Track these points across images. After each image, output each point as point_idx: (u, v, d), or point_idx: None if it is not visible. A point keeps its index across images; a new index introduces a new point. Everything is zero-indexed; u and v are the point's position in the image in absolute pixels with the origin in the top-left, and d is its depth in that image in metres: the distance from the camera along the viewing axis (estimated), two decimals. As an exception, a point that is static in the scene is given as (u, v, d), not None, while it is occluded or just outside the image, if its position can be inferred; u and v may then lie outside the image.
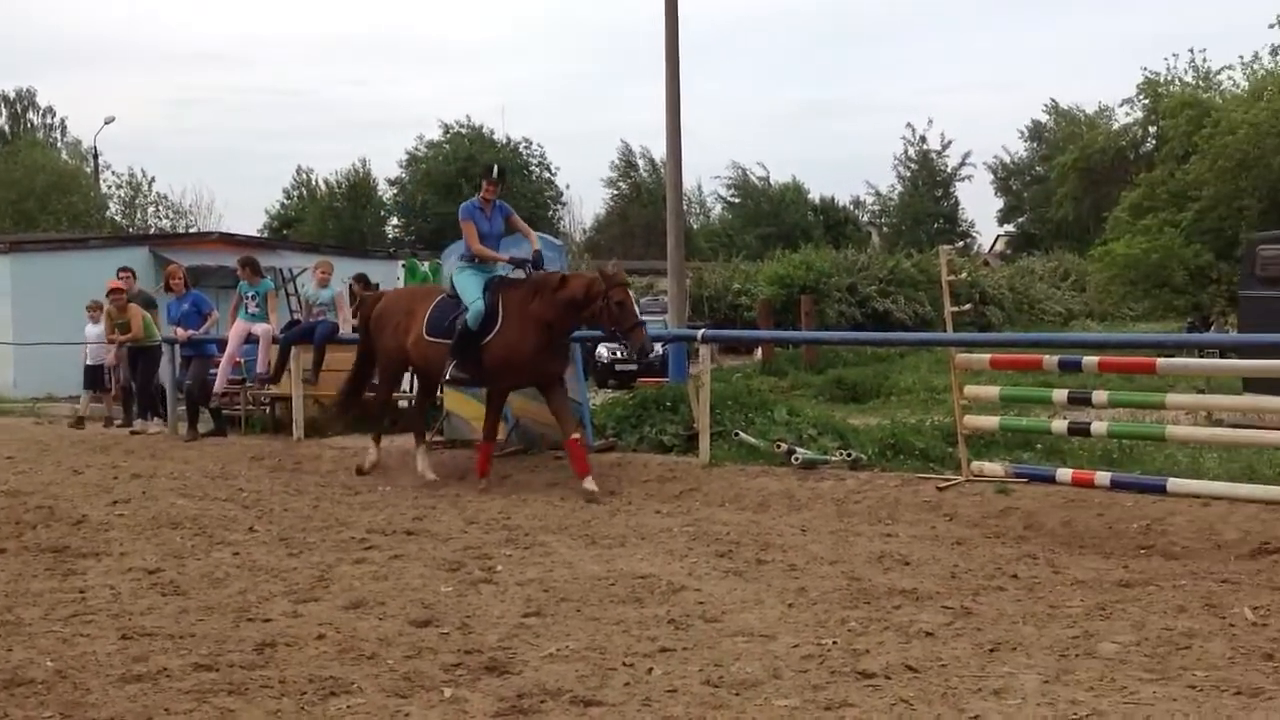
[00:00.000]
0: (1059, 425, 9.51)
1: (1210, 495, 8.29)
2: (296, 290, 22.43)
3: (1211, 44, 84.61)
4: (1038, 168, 60.32)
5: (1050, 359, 9.30)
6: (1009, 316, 37.83)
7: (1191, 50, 44.13)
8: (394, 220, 56.77)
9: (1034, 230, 60.81)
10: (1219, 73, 34.31)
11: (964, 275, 28.39)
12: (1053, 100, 62.09)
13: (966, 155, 62.25)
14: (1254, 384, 12.06)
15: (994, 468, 9.43)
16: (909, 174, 62.18)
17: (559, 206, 57.40)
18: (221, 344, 14.44)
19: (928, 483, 9.41)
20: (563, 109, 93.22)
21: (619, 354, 25.34)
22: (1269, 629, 5.51)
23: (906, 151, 62.24)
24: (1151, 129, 37.31)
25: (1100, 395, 9.10)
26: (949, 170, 61.95)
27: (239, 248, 24.50)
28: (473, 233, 10.52)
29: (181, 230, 46.78)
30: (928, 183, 61.27)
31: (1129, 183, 34.91)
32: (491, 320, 10.25)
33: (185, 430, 14.27)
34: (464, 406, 12.10)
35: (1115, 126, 45.86)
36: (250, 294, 14.11)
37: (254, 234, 42.75)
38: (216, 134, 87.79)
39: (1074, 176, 46.62)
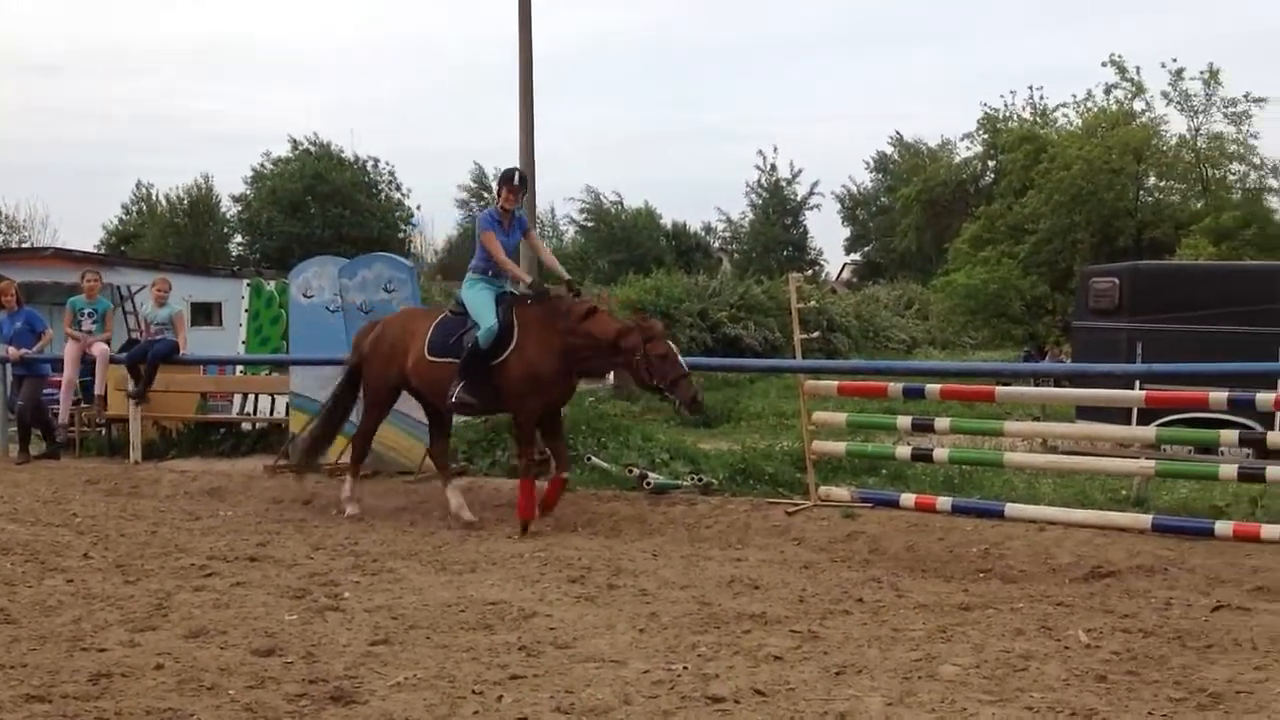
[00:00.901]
0: (903, 451, 9.73)
1: (1045, 520, 8.57)
2: (135, 308, 21.78)
3: (1049, 81, 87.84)
4: (883, 198, 61.81)
5: (895, 386, 9.51)
6: (855, 343, 38.61)
7: (1030, 88, 45.88)
8: (238, 238, 55.42)
9: (879, 259, 62.25)
10: (1055, 110, 35.72)
11: (812, 302, 28.89)
12: (898, 133, 63.86)
13: (815, 185, 63.49)
14: (1086, 412, 12.57)
15: (841, 492, 9.60)
16: (760, 202, 63.15)
17: (410, 228, 56.76)
18: (56, 363, 13.92)
19: (777, 507, 9.53)
20: (414, 128, 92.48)
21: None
22: (1102, 651, 5.70)
23: (759, 180, 63.24)
24: (991, 163, 38.55)
25: (943, 422, 9.35)
26: (798, 199, 63.09)
27: (76, 264, 23.67)
28: (494, 243, 9.62)
29: (14, 245, 45.01)
30: (778, 211, 62.28)
31: (969, 215, 36.05)
32: (505, 339, 9.35)
33: (16, 452, 13.71)
34: (386, 435, 11.85)
35: (956, 160, 47.28)
36: (86, 311, 13.64)
37: (91, 250, 41.32)
38: (51, 147, 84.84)
39: (917, 208, 47.91)
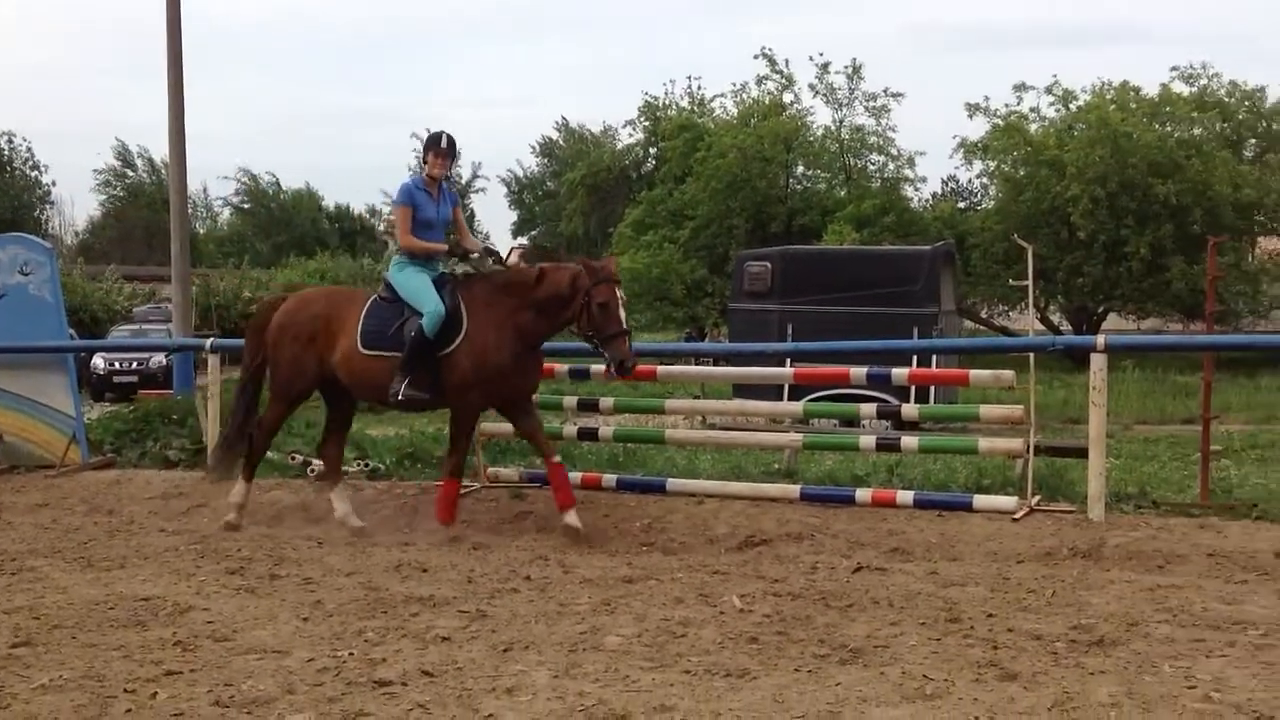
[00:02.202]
0: (570, 430, 9.92)
1: (704, 493, 8.94)
2: None
3: (706, 72, 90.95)
4: (549, 183, 62.47)
5: (561, 367, 9.66)
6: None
7: (689, 77, 47.38)
8: None
9: (546, 243, 62.90)
10: (713, 100, 37.05)
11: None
12: (563, 118, 64.68)
13: (478, 167, 63.45)
14: (743, 389, 13.12)
15: (509, 473, 9.69)
16: (424, 185, 62.62)
17: (46, 206, 53.18)
18: None
19: (441, 490, 9.50)
20: (52, 102, 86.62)
21: (118, 364, 23.90)
22: (754, 615, 5.99)
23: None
24: (652, 150, 39.63)
25: (607, 401, 9.58)
26: (463, 182, 62.93)
27: None
28: (405, 221, 8.52)
29: None
30: (444, 193, 62.01)
31: (632, 200, 36.92)
32: (453, 327, 8.27)
33: None
34: (25, 426, 10.95)
35: (619, 146, 48.31)
36: None
37: None
38: None
39: (582, 193, 48.68)
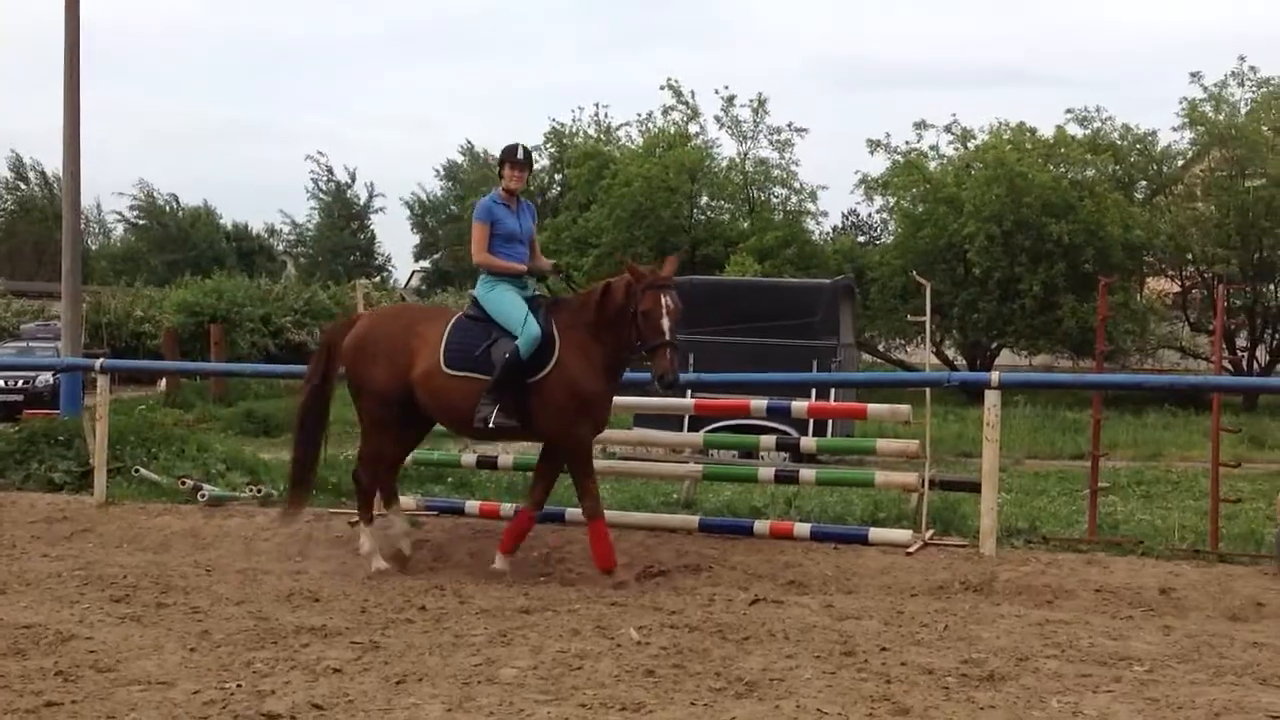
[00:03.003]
0: (469, 459, 9.84)
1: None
2: None
3: (613, 101, 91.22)
4: (452, 206, 62.10)
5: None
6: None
7: (596, 105, 47.45)
8: None
9: (449, 268, 62.52)
10: (619, 128, 37.12)
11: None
12: (468, 141, 64.29)
13: (372, 187, 62.80)
14: (644, 419, 13.13)
15: (407, 501, 9.57)
16: (324, 204, 61.88)
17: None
18: None
19: (340, 517, 9.39)
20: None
21: (2, 383, 23.23)
22: (651, 647, 5.98)
23: (317, 183, 61.89)
24: (558, 176, 39.62)
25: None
26: (363, 203, 62.31)
27: None
28: (482, 237, 8.00)
29: None
30: (343, 215, 61.26)
31: (537, 226, 36.85)
32: (545, 352, 7.72)
33: None
34: None
35: (525, 172, 48.18)
36: None
37: None
38: None
39: (486, 217, 48.43)
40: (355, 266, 56.42)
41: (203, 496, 9.81)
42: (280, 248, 62.41)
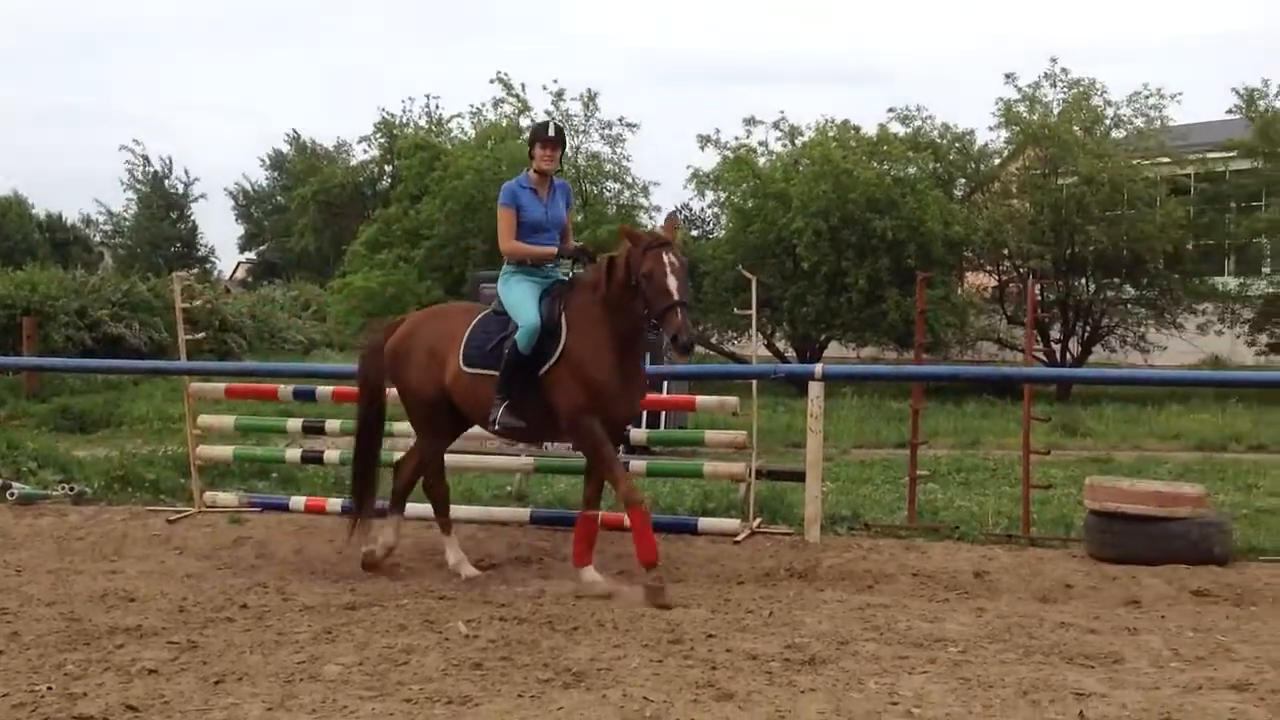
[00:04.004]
0: (293, 454, 9.64)
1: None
2: None
3: (445, 92, 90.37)
4: (279, 197, 60.76)
5: (286, 389, 9.40)
6: (250, 344, 37.63)
7: (427, 96, 46.94)
8: None
9: (275, 259, 61.16)
10: (450, 120, 36.78)
11: (197, 302, 27.81)
12: (294, 131, 62.95)
13: (191, 178, 61.06)
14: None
15: (228, 498, 9.37)
16: (142, 194, 59.88)
17: None
18: None
19: (158, 515, 9.15)
20: None
21: None
22: (480, 640, 5.95)
23: (134, 171, 59.88)
24: (388, 168, 39.08)
25: (333, 424, 9.36)
26: (183, 193, 60.50)
27: None
28: (508, 224, 7.53)
29: None
30: (163, 205, 59.39)
31: (366, 218, 36.29)
32: (551, 340, 7.27)
33: None
34: None
35: (354, 163, 47.42)
36: None
37: None
38: None
39: (314, 208, 47.52)
40: (176, 258, 54.65)
41: (12, 495, 9.44)
42: (97, 238, 60.23)
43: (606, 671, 5.40)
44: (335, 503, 9.07)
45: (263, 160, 63.48)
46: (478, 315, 7.70)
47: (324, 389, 9.29)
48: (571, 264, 7.68)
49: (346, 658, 5.62)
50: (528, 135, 7.80)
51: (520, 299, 7.40)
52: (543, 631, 6.13)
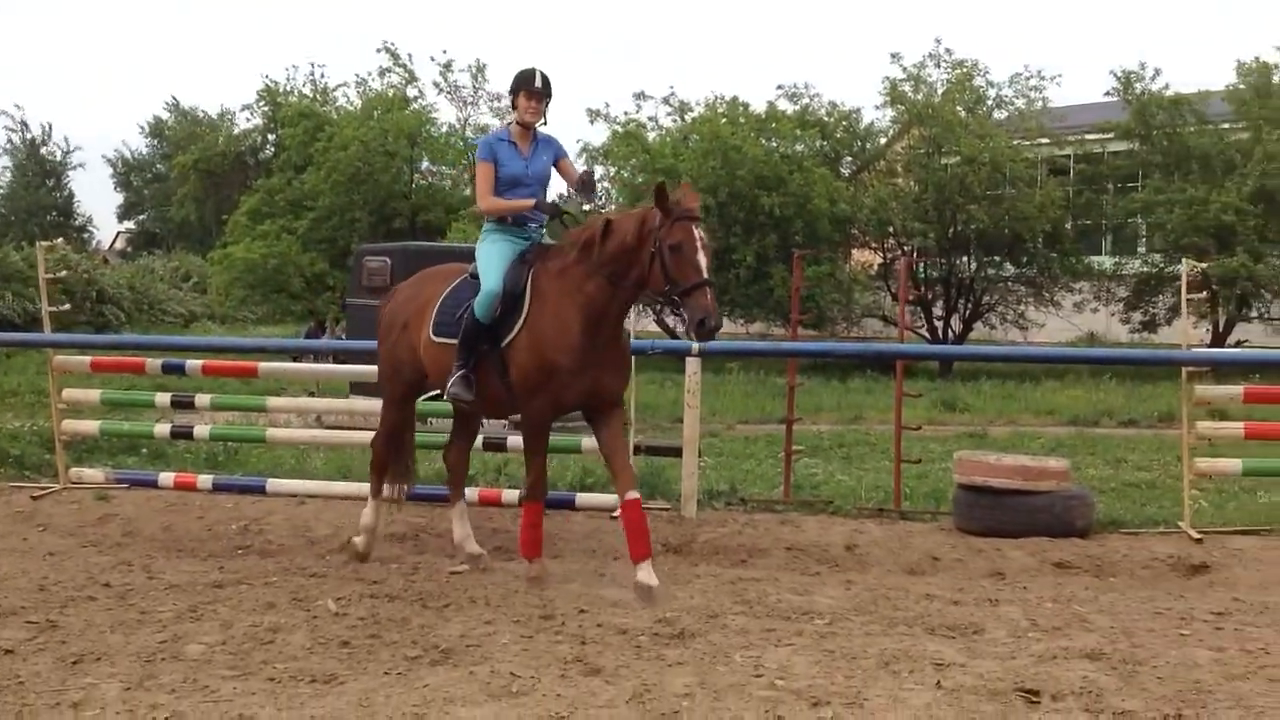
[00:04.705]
0: (162, 429, 9.44)
1: (305, 494, 8.74)
2: None
3: (330, 60, 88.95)
4: (159, 166, 59.37)
5: (155, 362, 9.19)
6: (130, 316, 36.78)
7: (311, 64, 46.12)
8: None
9: (156, 229, 59.79)
10: (336, 89, 36.17)
11: (77, 272, 27.12)
12: (174, 98, 61.54)
13: (71, 145, 59.48)
14: (359, 387, 12.89)
15: (95, 474, 9.15)
16: (17, 161, 58.07)
17: None
18: None
19: (22, 492, 8.91)
20: None
21: None
22: (349, 618, 5.89)
23: (12, 137, 58.05)
24: (271, 137, 38.34)
25: (203, 399, 9.18)
26: (60, 160, 58.81)
27: None
28: (485, 180, 6.95)
29: None
30: (39, 173, 57.65)
31: (249, 188, 35.62)
32: (514, 308, 6.67)
33: None
34: None
35: (236, 131, 46.52)
36: None
37: None
38: None
39: (195, 177, 46.51)
40: (53, 227, 53.18)
41: None
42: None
43: (476, 648, 5.38)
44: (206, 479, 8.90)
45: (143, 127, 61.98)
46: (456, 279, 7.12)
47: (194, 363, 9.08)
48: (547, 223, 7.11)
49: (210, 637, 5.52)
50: (512, 80, 7.08)
51: (489, 261, 6.82)
52: (414, 609, 6.09)
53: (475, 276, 6.89)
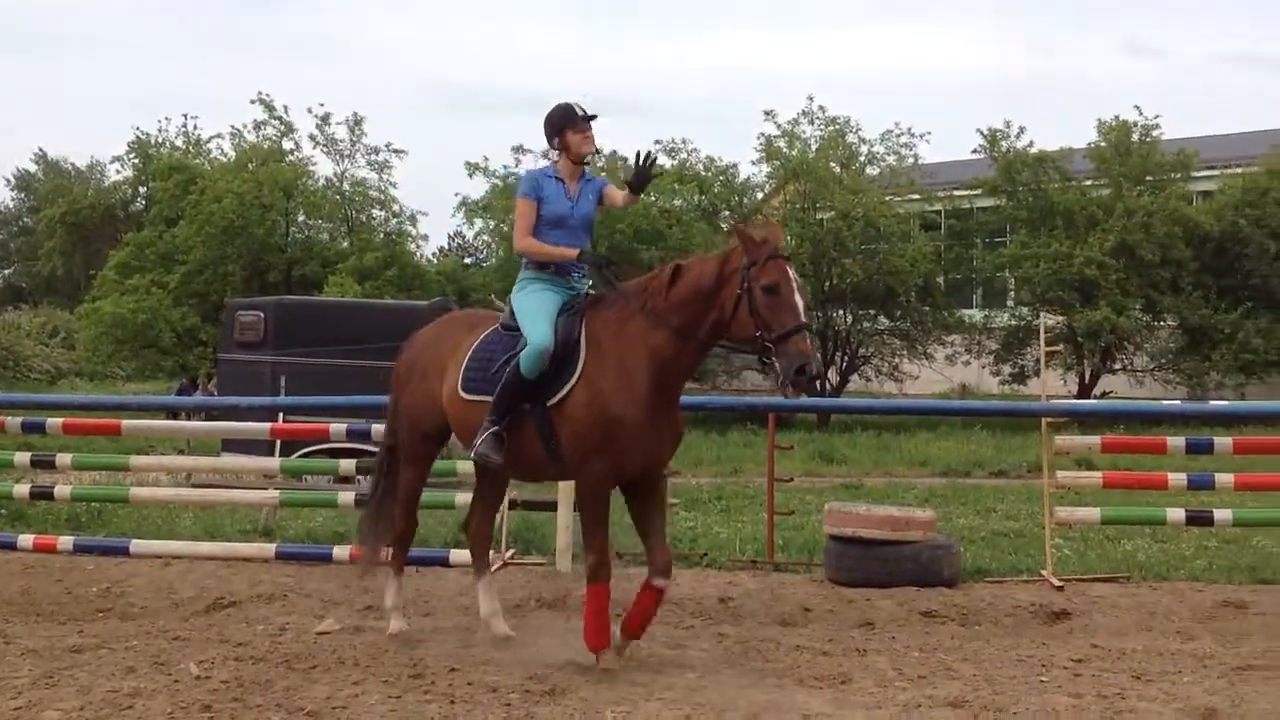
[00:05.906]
0: (21, 489, 9.17)
1: (171, 554, 8.56)
2: None
3: (203, 112, 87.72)
4: (26, 219, 57.88)
5: (14, 420, 8.93)
6: (-5, 375, 35.67)
7: (185, 116, 45.45)
8: None
9: (22, 283, 58.17)
10: (209, 140, 35.64)
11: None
12: (42, 150, 60.09)
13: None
14: (232, 444, 12.67)
15: (-52, 537, 8.82)
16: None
17: None
18: None
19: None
20: None
21: None
22: (211, 681, 5.75)
23: None
24: (142, 189, 37.64)
25: (64, 458, 8.94)
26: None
27: None
28: (525, 218, 6.38)
29: None
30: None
31: (118, 241, 34.90)
32: (567, 364, 6.06)
33: None
34: None
35: (106, 184, 45.57)
36: None
37: None
38: None
39: (62, 230, 45.51)
40: (-87, 280, 51.47)
41: None
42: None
43: (342, 710, 5.29)
44: (67, 540, 8.65)
45: (8, 180, 60.37)
46: (485, 330, 6.54)
47: (54, 420, 8.84)
48: (591, 273, 6.47)
49: (67, 703, 5.35)
50: (547, 120, 6.53)
51: (534, 311, 6.21)
52: (279, 671, 5.96)
53: (507, 328, 6.37)
